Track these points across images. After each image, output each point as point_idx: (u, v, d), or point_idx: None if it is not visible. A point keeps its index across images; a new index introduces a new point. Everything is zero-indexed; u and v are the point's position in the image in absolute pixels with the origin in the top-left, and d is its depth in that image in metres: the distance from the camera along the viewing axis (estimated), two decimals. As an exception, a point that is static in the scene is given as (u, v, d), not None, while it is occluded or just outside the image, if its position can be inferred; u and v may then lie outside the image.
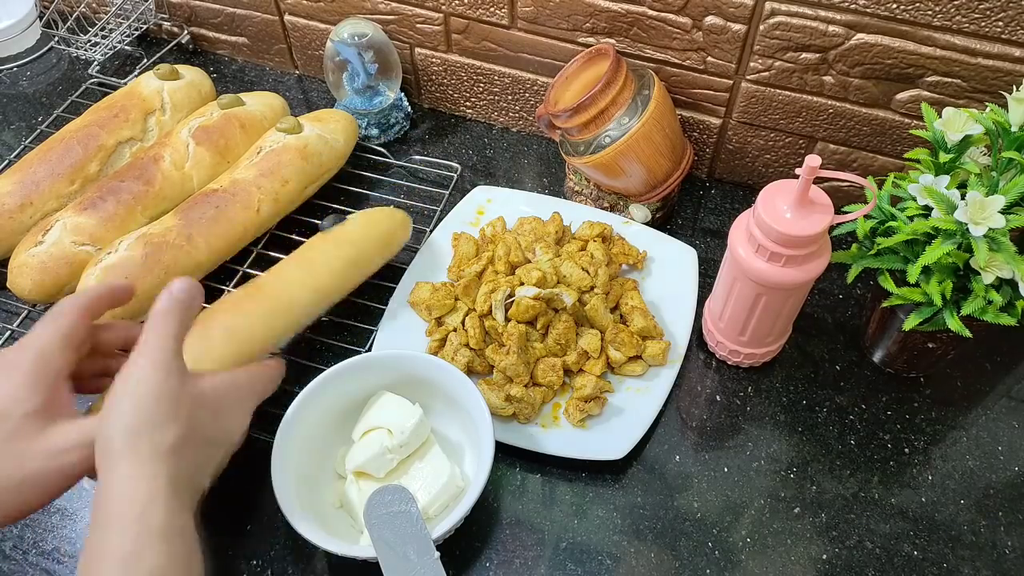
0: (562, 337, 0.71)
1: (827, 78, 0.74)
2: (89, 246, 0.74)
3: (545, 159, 0.92)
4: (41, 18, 1.02)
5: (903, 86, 0.72)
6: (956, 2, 0.64)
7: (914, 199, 0.61)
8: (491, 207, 0.84)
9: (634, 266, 0.78)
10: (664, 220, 0.84)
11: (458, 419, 0.65)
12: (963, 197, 0.57)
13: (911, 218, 0.61)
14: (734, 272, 0.65)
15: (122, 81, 0.97)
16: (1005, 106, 0.60)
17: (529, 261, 0.77)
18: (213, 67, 1.03)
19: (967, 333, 0.60)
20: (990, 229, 0.56)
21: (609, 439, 0.67)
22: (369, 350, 0.74)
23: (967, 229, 0.56)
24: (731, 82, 0.78)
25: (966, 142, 0.61)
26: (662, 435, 0.69)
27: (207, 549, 0.47)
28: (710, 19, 0.74)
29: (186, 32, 1.03)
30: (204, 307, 0.58)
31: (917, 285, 0.61)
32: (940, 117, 0.61)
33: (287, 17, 0.95)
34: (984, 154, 0.63)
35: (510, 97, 0.91)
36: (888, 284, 0.63)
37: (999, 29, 0.65)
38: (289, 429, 0.61)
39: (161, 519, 0.45)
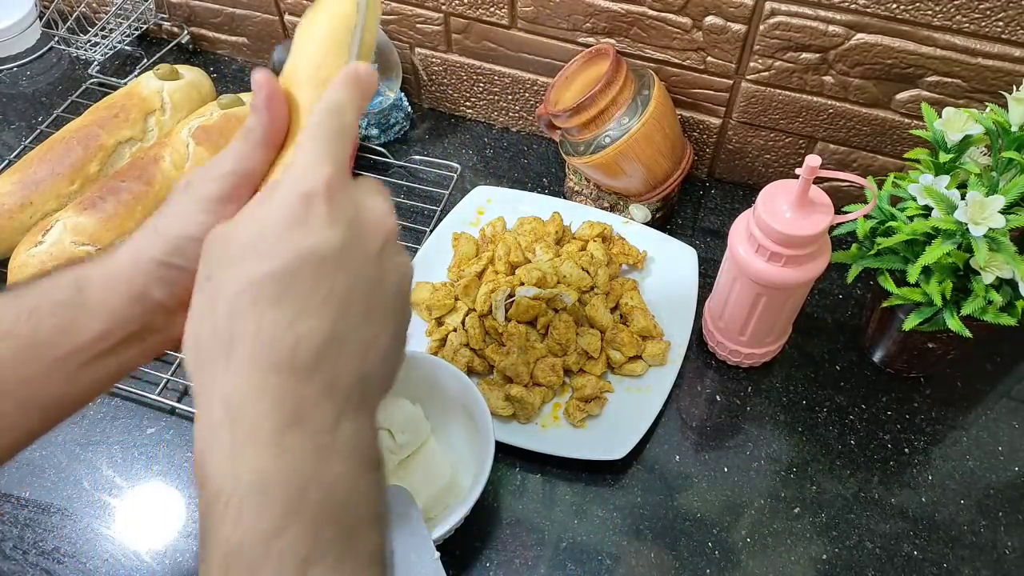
0: (562, 337, 0.71)
1: (827, 78, 0.74)
2: (89, 246, 0.74)
3: (545, 159, 0.92)
4: (41, 18, 1.02)
5: (903, 86, 0.72)
6: (956, 2, 0.64)
7: (914, 199, 0.61)
8: (491, 207, 0.84)
9: (634, 266, 0.78)
10: (664, 220, 0.84)
11: (458, 419, 0.65)
12: (963, 197, 0.57)
13: (911, 218, 0.61)
14: (734, 272, 0.65)
15: (122, 81, 0.97)
16: (1005, 106, 0.60)
17: (529, 261, 0.77)
18: (213, 67, 1.03)
19: (967, 333, 0.60)
20: (990, 229, 0.56)
21: (609, 439, 0.67)
22: (369, 350, 0.74)
23: (967, 229, 0.56)
24: (731, 82, 0.78)
25: (966, 142, 0.61)
26: (662, 435, 0.69)
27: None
28: (710, 19, 0.74)
29: (186, 32, 1.03)
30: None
31: (917, 285, 0.61)
32: (940, 117, 0.61)
33: (287, 17, 0.95)
34: (984, 154, 0.63)
35: (510, 97, 0.91)
36: (888, 284, 0.63)
37: (999, 29, 0.65)
38: (289, 429, 0.61)
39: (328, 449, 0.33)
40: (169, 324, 0.42)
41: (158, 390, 0.72)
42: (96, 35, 1.00)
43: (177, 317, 0.42)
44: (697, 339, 0.76)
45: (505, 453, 0.68)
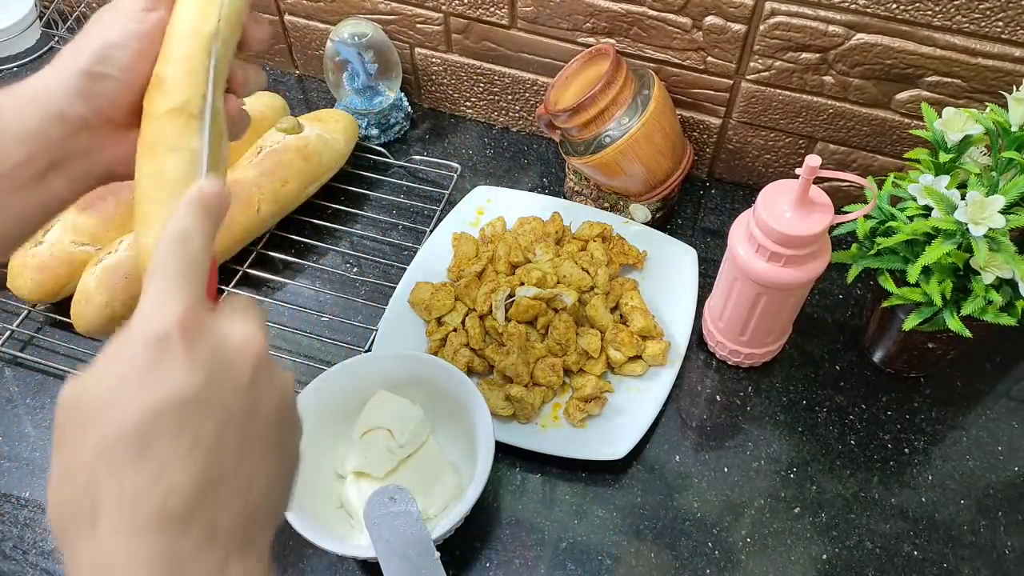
0: (562, 337, 0.71)
1: (827, 78, 0.74)
2: (89, 246, 0.74)
3: (545, 159, 0.92)
4: (41, 18, 1.02)
5: (903, 86, 0.72)
6: (956, 2, 0.64)
7: (914, 199, 0.61)
8: (491, 207, 0.84)
9: (634, 266, 0.78)
10: (664, 220, 0.84)
11: (458, 419, 0.65)
12: (963, 197, 0.57)
13: (911, 218, 0.61)
14: (734, 272, 0.65)
15: (122, 81, 0.97)
16: (1005, 106, 0.60)
17: (529, 261, 0.77)
18: (213, 67, 1.03)
19: (967, 333, 0.60)
20: (990, 229, 0.56)
21: (609, 439, 0.67)
22: (369, 350, 0.74)
23: (967, 229, 0.56)
24: (731, 82, 0.78)
25: (966, 142, 0.61)
26: (662, 435, 0.69)
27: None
28: (710, 19, 0.74)
29: None
30: None
31: (917, 285, 0.61)
32: (940, 117, 0.61)
33: (287, 17, 0.95)
34: (984, 154, 0.63)
35: (510, 97, 0.91)
36: (888, 284, 0.63)
37: (999, 29, 0.65)
38: (289, 429, 0.61)
39: None
40: (94, 148, 0.42)
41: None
42: (96, 35, 1.00)
43: (103, 140, 0.43)
44: (697, 339, 0.76)
45: (505, 453, 0.68)
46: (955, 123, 0.60)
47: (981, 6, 0.64)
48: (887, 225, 0.63)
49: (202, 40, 0.43)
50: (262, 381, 0.35)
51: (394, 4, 0.86)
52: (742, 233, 0.64)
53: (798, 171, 0.57)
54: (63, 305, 0.74)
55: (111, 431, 0.31)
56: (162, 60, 0.43)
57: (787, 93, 0.77)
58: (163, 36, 0.43)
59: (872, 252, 0.64)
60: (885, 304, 0.64)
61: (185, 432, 0.31)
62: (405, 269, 0.79)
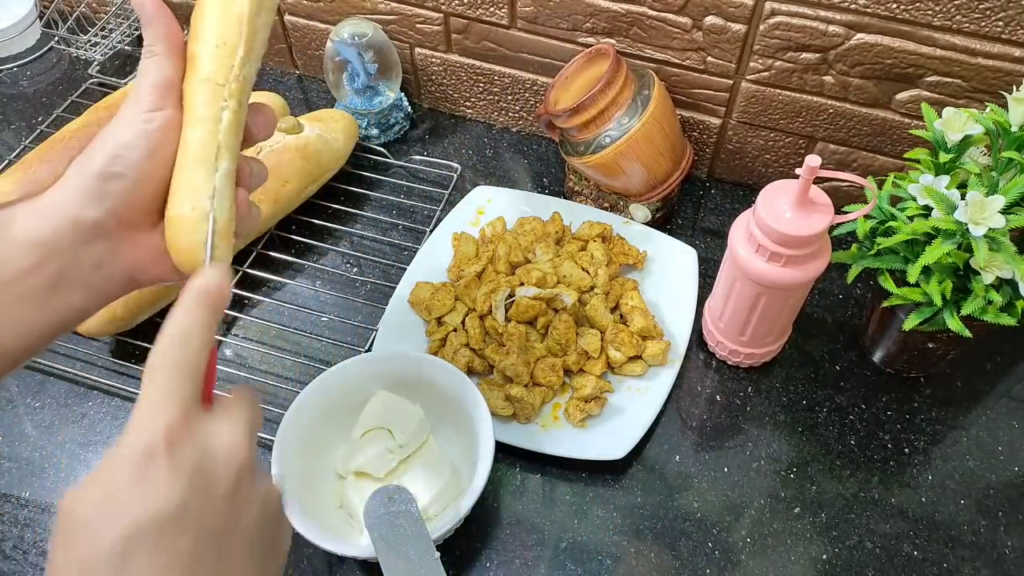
0: (562, 337, 0.71)
1: (827, 78, 0.74)
2: (89, 246, 0.74)
3: (545, 159, 0.92)
4: (41, 18, 1.02)
5: (903, 86, 0.72)
6: (956, 2, 0.64)
7: (914, 199, 0.61)
8: (491, 207, 0.84)
9: (634, 266, 0.78)
10: (664, 220, 0.84)
11: (458, 419, 0.65)
12: (963, 197, 0.57)
13: (911, 218, 0.61)
14: (734, 272, 0.65)
15: (122, 81, 0.97)
16: (1005, 106, 0.60)
17: (529, 261, 0.77)
18: (213, 67, 1.03)
19: (967, 333, 0.60)
20: (990, 229, 0.56)
21: (609, 439, 0.67)
22: (369, 350, 0.74)
23: (967, 229, 0.56)
24: (731, 82, 0.78)
25: (966, 142, 0.61)
26: (662, 435, 0.69)
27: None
28: (710, 19, 0.74)
29: (186, 32, 1.03)
30: None
31: (917, 285, 0.61)
32: (940, 117, 0.61)
33: (287, 17, 0.95)
34: (984, 154, 0.63)
35: (510, 97, 0.91)
36: (888, 284, 0.63)
37: (999, 29, 0.65)
38: (289, 429, 0.61)
39: None
40: (111, 255, 0.41)
41: (158, 390, 0.72)
42: (96, 35, 1.00)
43: (120, 245, 0.41)
44: (697, 339, 0.76)
45: (505, 453, 0.68)
46: (955, 123, 0.60)
47: (981, 6, 0.64)
48: (887, 225, 0.63)
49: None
50: (244, 491, 0.35)
51: (394, 4, 0.86)
52: (742, 233, 0.64)
53: (798, 171, 0.57)
54: (63, 305, 0.74)
55: (92, 552, 0.31)
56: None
57: (787, 93, 0.77)
58: (177, 133, 0.42)
59: (872, 252, 0.64)
60: (885, 304, 0.64)
61: (162, 551, 0.32)
62: (405, 269, 0.79)
